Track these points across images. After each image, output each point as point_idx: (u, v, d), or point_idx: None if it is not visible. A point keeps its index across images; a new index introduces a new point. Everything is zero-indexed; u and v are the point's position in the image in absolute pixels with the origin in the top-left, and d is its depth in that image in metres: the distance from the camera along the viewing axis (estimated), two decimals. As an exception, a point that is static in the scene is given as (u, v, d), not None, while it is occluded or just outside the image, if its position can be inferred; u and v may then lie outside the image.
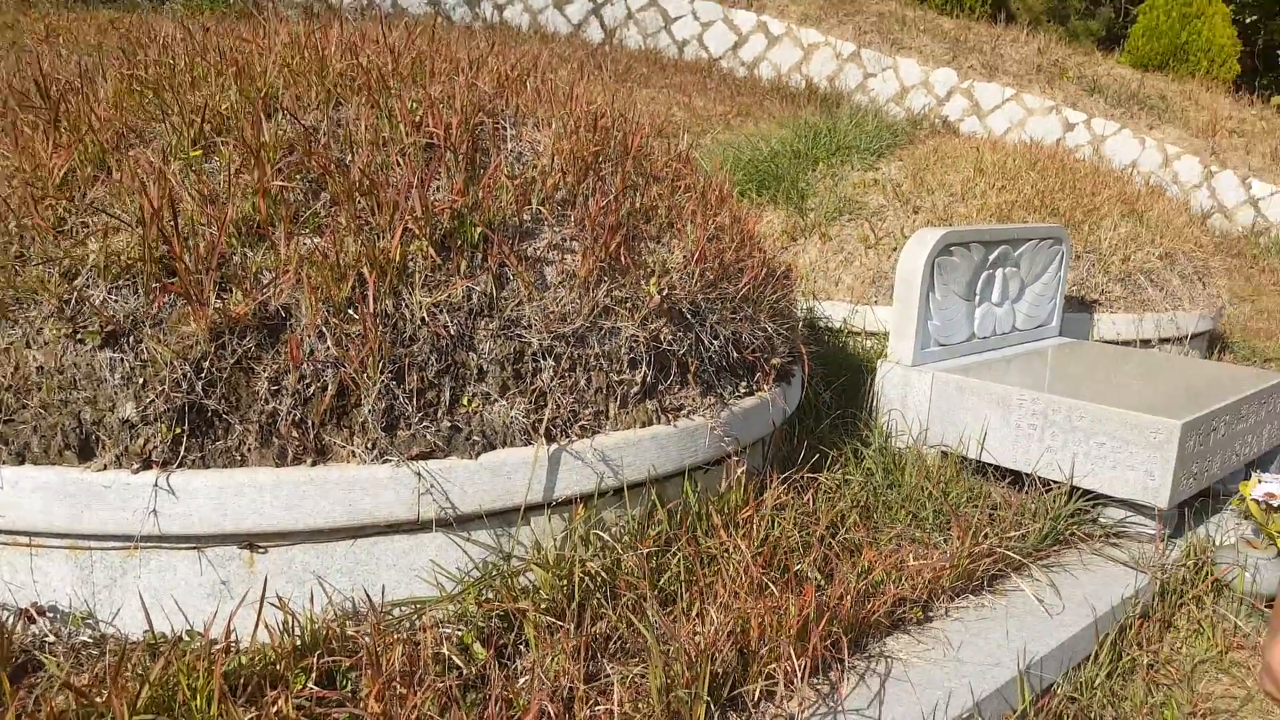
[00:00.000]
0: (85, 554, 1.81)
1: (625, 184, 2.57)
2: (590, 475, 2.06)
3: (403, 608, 1.85)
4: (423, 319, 1.99)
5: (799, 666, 1.80)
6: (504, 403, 2.02)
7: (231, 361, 1.84)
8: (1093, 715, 2.13)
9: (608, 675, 1.74)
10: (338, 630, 1.72)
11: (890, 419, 3.21)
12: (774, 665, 1.77)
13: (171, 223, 1.89)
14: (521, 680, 1.72)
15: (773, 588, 1.94)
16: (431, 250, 2.05)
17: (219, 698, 1.53)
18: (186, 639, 1.80)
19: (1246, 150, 9.75)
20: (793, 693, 1.82)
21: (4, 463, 1.78)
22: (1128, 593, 2.43)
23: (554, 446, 2.02)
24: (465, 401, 1.99)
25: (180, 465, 1.80)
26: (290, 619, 1.72)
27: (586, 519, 2.04)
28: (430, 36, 3.06)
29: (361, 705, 1.58)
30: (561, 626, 1.76)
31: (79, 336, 1.84)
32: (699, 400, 2.35)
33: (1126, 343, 4.54)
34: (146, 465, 1.79)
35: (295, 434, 1.82)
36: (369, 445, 1.86)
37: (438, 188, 2.23)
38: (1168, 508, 2.63)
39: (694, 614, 1.89)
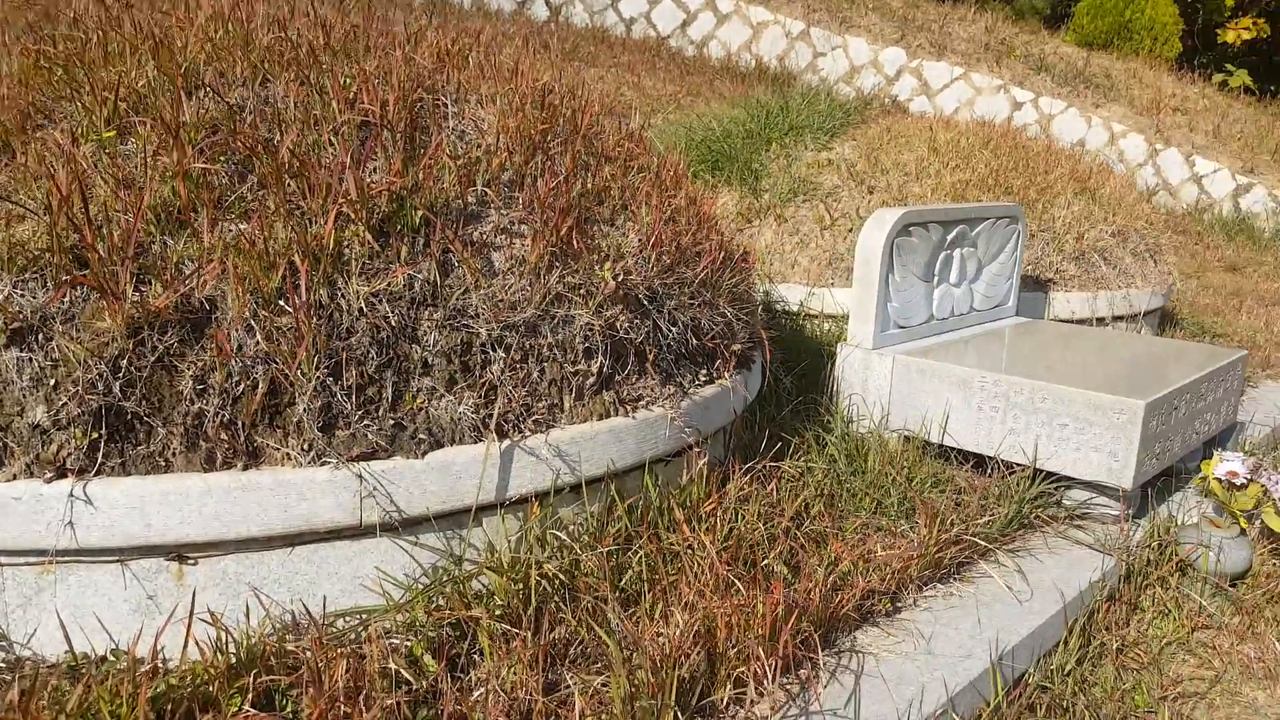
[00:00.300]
0: (-6, 572, 1.67)
1: (576, 164, 2.45)
2: (545, 472, 1.96)
3: (346, 619, 1.73)
4: (361, 310, 1.86)
5: (769, 668, 1.72)
6: (451, 398, 1.90)
7: (152, 359, 1.70)
8: (1065, 704, 2.08)
9: (568, 686, 1.64)
10: (276, 646, 1.60)
11: (851, 403, 3.15)
12: (743, 668, 1.69)
13: (83, 209, 1.74)
14: (476, 694, 1.61)
15: (739, 585, 1.86)
16: (368, 235, 1.92)
17: (143, 728, 1.40)
18: (111, 659, 1.66)
19: (1190, 128, 9.89)
20: (764, 695, 1.74)
21: (-102, 475, 1.63)
22: (1095, 576, 2.39)
23: (506, 443, 1.90)
24: (409, 397, 1.86)
25: (98, 473, 1.66)
26: (223, 635, 1.59)
27: (542, 518, 1.93)
28: (366, 10, 2.90)
29: (302, 729, 1.47)
30: (518, 634, 1.66)
31: (-20, 335, 1.68)
32: (658, 390, 2.25)
33: (1081, 321, 4.54)
34: (61, 474, 1.65)
35: (224, 436, 1.68)
36: (305, 447, 1.73)
37: (374, 169, 2.10)
38: (1132, 489, 2.60)
39: (658, 615, 1.80)
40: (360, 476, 1.73)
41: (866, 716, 1.75)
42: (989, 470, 2.84)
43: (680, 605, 1.79)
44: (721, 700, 1.69)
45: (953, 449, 2.96)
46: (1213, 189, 9.63)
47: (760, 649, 1.72)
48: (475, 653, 1.69)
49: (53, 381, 1.67)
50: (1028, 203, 4.73)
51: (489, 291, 2.01)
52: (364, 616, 1.72)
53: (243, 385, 1.71)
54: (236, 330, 1.74)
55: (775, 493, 2.37)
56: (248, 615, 1.68)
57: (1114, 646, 2.28)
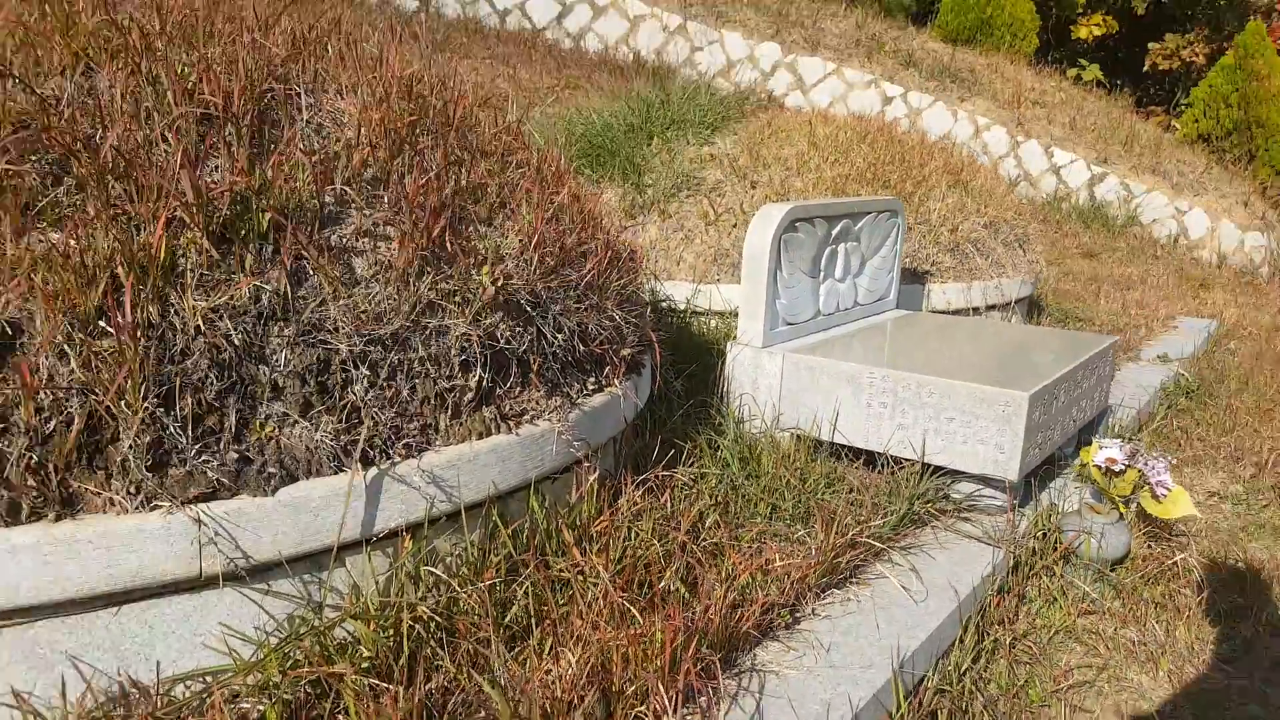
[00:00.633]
0: None
1: (448, 159, 2.27)
2: (418, 501, 1.78)
3: (187, 684, 1.52)
4: (198, 328, 1.64)
5: (669, 701, 1.60)
6: (307, 424, 1.71)
7: (-59, 394, 1.45)
8: (964, 706, 2.05)
9: (448, 740, 1.48)
10: (104, 721, 1.39)
11: (742, 403, 3.07)
12: (642, 707, 1.56)
13: None
14: (343, 758, 1.44)
15: (635, 612, 1.73)
16: (207, 243, 1.70)
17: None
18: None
19: (1049, 120, 10.33)
20: (662, 732, 1.62)
21: None
22: (986, 570, 2.38)
23: (372, 472, 1.72)
24: (257, 426, 1.66)
25: (-124, 531, 1.40)
26: None
27: (415, 553, 1.76)
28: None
29: (134, 821, 1.26)
30: (388, 689, 1.48)
31: None
32: (544, 402, 2.11)
33: (958, 311, 4.62)
34: None
35: (32, 482, 1.44)
36: (132, 490, 1.50)
37: (215, 167, 1.87)
38: (1018, 480, 2.61)
39: (548, 652, 1.66)
40: (199, 521, 1.52)
41: (771, 745, 1.66)
42: (879, 466, 2.81)
43: (572, 640, 1.66)
44: (619, 741, 1.56)
45: (844, 446, 2.92)
46: (1070, 179, 10.09)
47: (660, 683, 1.60)
48: (340, 712, 1.51)
49: None
50: (905, 196, 4.78)
51: (349, 302, 1.82)
52: (208, 680, 1.52)
53: (54, 422, 1.47)
54: (46, 357, 1.50)
55: (670, 504, 2.25)
56: (64, 691, 1.45)
57: (1006, 641, 2.26)
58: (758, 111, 5.90)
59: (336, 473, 1.71)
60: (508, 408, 2.05)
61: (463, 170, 2.32)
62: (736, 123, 5.55)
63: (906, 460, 2.73)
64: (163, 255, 1.64)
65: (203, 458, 1.60)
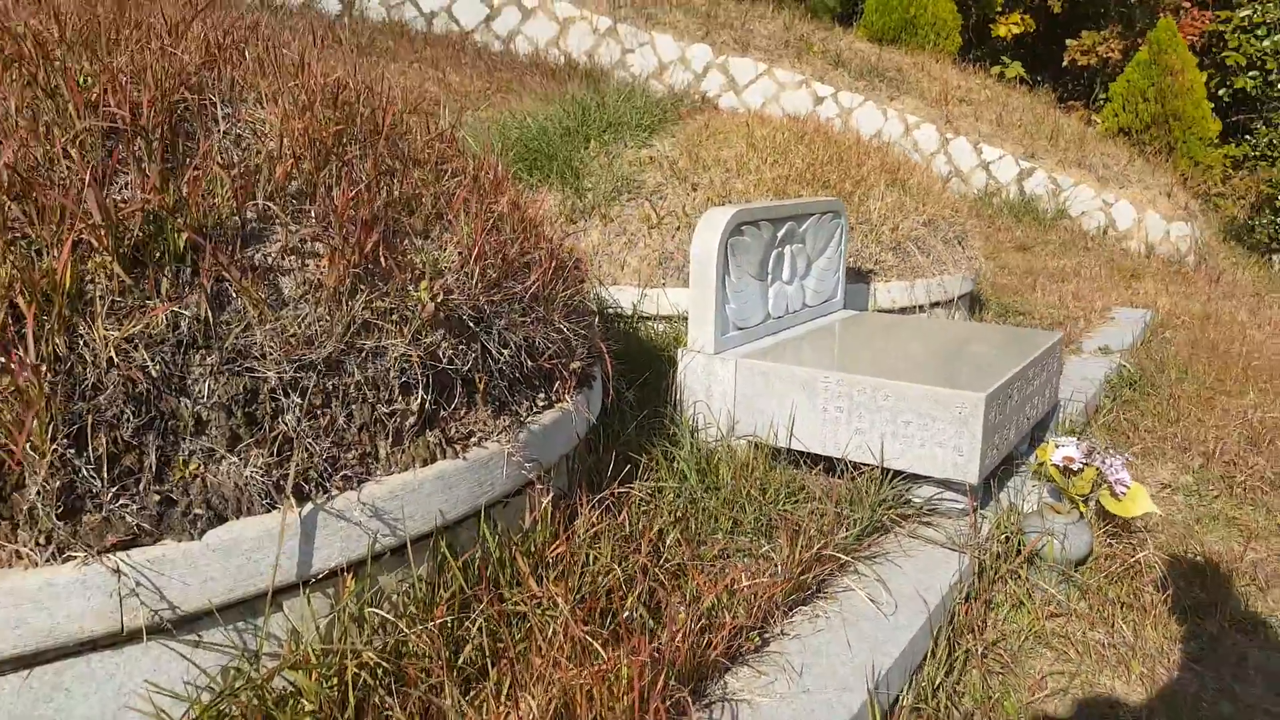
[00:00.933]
0: None
1: (379, 169, 2.15)
2: (360, 537, 1.66)
3: (110, 756, 1.37)
4: (111, 360, 1.49)
5: (637, 742, 1.50)
6: (235, 459, 1.57)
7: None
8: (939, 721, 1.99)
9: (403, 801, 1.36)
10: (13, 805, 1.24)
11: (696, 411, 2.99)
12: (610, 752, 1.46)
13: None
14: (287, 828, 1.31)
15: (599, 647, 1.63)
16: (118, 267, 1.56)
17: None
18: None
19: (976, 117, 10.50)
20: (632, 774, 1.52)
21: None
22: (953, 578, 2.33)
23: (308, 508, 1.59)
24: (180, 464, 1.52)
25: None
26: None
27: (358, 593, 1.63)
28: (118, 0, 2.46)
29: None
30: (336, 748, 1.36)
31: None
32: (491, 423, 1.99)
33: (903, 309, 4.61)
34: None
35: (-80, 542, 1.29)
36: (41, 540, 1.36)
37: (125, 185, 1.72)
38: (978, 482, 2.57)
39: (506, 696, 1.55)
40: (118, 571, 1.38)
41: (748, 779, 1.57)
42: (838, 471, 2.75)
43: (532, 680, 1.55)
44: (587, 788, 1.46)
45: (803, 453, 2.86)
46: (999, 174, 10.27)
47: (627, 722, 1.50)
48: (284, 776, 1.38)
49: None
50: (845, 196, 4.76)
51: (277, 325, 1.69)
52: (134, 750, 1.38)
53: (-56, 472, 1.32)
54: (-67, 399, 1.34)
55: (628, 523, 2.16)
56: (-34, 774, 1.30)
57: (978, 650, 2.21)
58: (694, 113, 5.84)
59: (269, 510, 1.57)
60: (453, 431, 1.93)
61: (395, 180, 2.19)
62: (674, 124, 5.48)
63: (866, 465, 2.68)
64: (68, 282, 1.49)
65: (120, 501, 1.46)
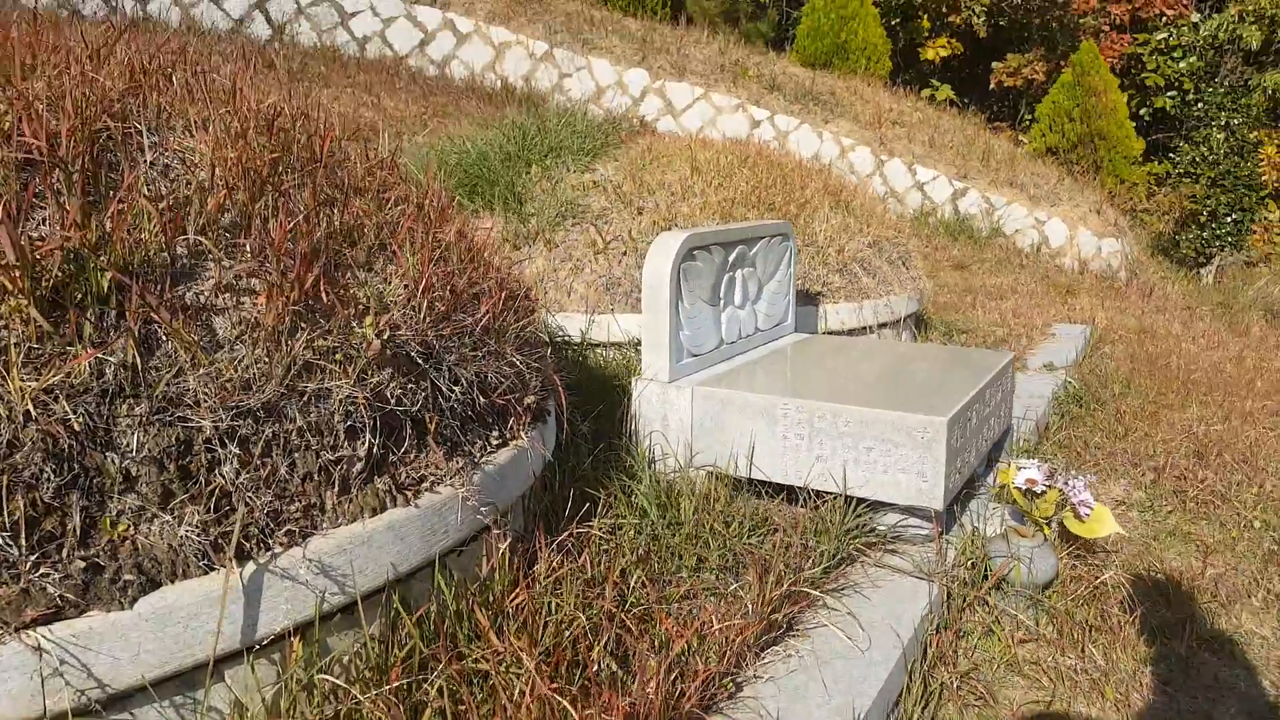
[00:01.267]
0: None
1: (318, 199, 2.03)
2: (307, 596, 1.53)
3: None
4: (28, 414, 1.36)
5: (614, 807, 1.40)
6: (168, 517, 1.44)
7: None
8: (917, 760, 1.93)
9: None
10: None
11: (652, 441, 2.91)
12: (586, 822, 1.36)
13: None
14: None
15: (568, 705, 1.53)
16: (35, 311, 1.42)
17: None
18: None
19: (909, 139, 10.69)
20: (610, 843, 1.42)
21: None
22: (924, 610, 2.28)
23: (250, 568, 1.47)
24: (107, 525, 1.38)
25: None
26: None
27: (307, 657, 1.51)
28: (33, 24, 2.31)
29: None
30: (287, 837, 1.24)
31: None
32: (444, 465, 1.88)
33: (851, 331, 4.61)
34: None
35: None
36: (-54, 622, 1.21)
37: (43, 221, 1.59)
38: (943, 508, 2.53)
39: (471, 764, 1.44)
40: (39, 649, 1.24)
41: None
42: (801, 500, 2.69)
43: (499, 745, 1.44)
44: None
45: (764, 482, 2.80)
46: (934, 194, 10.45)
47: (603, 787, 1.40)
48: None
49: None
50: (790, 218, 4.75)
51: (212, 370, 1.56)
52: None
53: None
54: None
55: (589, 565, 2.06)
56: None
57: (953, 683, 2.16)
58: (636, 137, 5.81)
59: (207, 572, 1.45)
60: (403, 476, 1.82)
61: (335, 211, 2.08)
62: (616, 148, 5.43)
63: (828, 493, 2.62)
64: (-27, 329, 1.36)
65: (41, 570, 1.32)
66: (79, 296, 1.52)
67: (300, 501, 1.61)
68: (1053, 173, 10.82)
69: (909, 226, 9.35)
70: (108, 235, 1.59)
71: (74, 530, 1.37)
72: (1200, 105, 10.94)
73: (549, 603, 1.84)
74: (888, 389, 2.86)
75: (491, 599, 1.83)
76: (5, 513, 1.31)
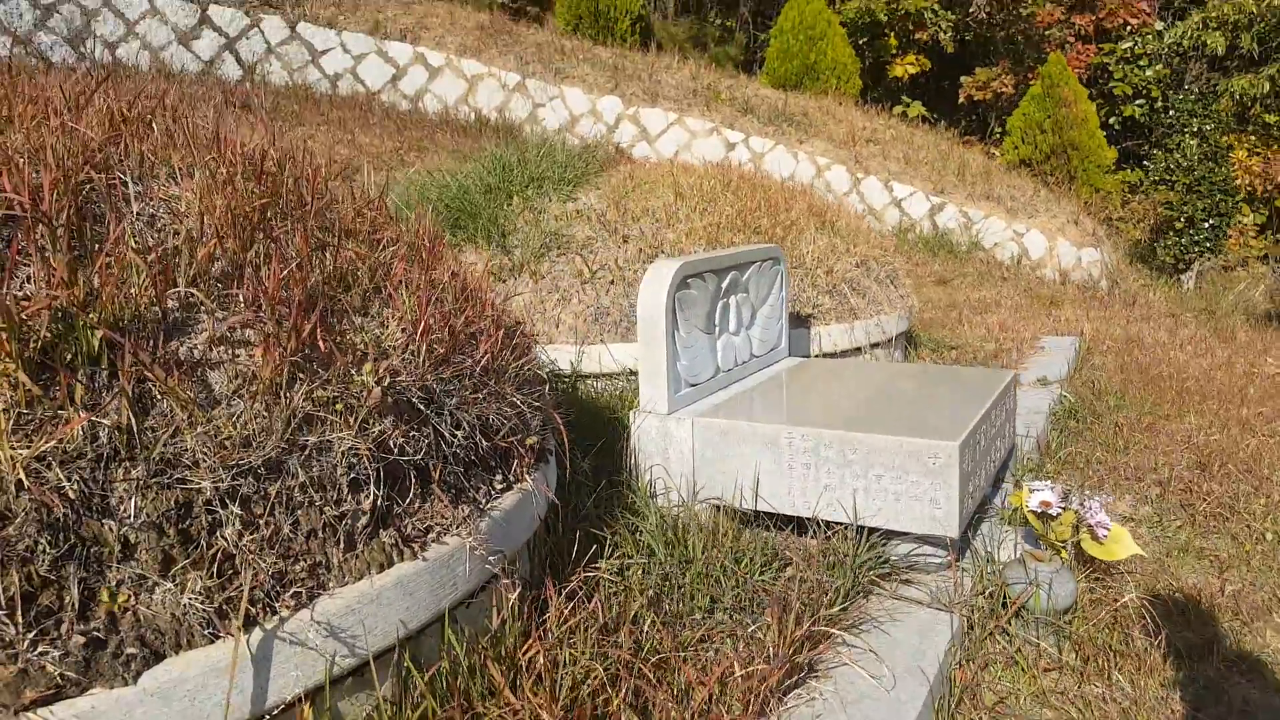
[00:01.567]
0: None
1: (309, 244, 1.98)
2: (316, 660, 1.47)
3: None
4: (20, 483, 1.29)
5: None
6: (170, 585, 1.37)
7: None
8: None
9: None
10: None
11: (653, 475, 2.85)
12: None
13: None
14: None
15: (594, 765, 1.46)
16: (23, 375, 1.36)
17: None
18: None
19: (884, 156, 10.75)
20: None
21: None
22: (946, 643, 2.22)
23: (257, 634, 1.40)
24: (106, 596, 1.31)
25: None
26: None
27: (321, 727, 1.44)
28: (8, 75, 2.25)
29: None
30: None
31: None
32: (449, 514, 1.82)
33: (844, 352, 4.58)
34: None
35: None
36: (-63, 714, 1.14)
37: (27, 278, 1.53)
38: (959, 535, 2.49)
39: (498, 834, 1.37)
40: (37, 738, 1.17)
41: None
42: (810, 531, 2.64)
43: (526, 812, 1.37)
44: None
45: (768, 514, 2.74)
46: (911, 210, 10.51)
47: None
48: None
49: None
50: (777, 240, 4.73)
51: (209, 428, 1.50)
52: None
53: None
54: None
55: (600, 611, 2.00)
56: None
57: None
58: (616, 164, 5.79)
59: (213, 641, 1.38)
60: (409, 527, 1.76)
61: (327, 255, 2.03)
62: (597, 176, 5.41)
63: (838, 524, 2.58)
64: (-41, 397, 1.29)
65: (39, 648, 1.25)
66: (69, 357, 1.45)
67: (305, 561, 1.54)
68: (1029, 184, 10.92)
69: (891, 244, 9.40)
70: (96, 292, 1.53)
71: (72, 604, 1.29)
72: (1172, 112, 11.09)
73: (563, 654, 1.78)
74: (893, 413, 2.82)
75: (504, 652, 1.77)
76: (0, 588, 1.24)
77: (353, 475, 1.66)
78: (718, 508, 2.73)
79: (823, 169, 10.94)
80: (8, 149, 1.75)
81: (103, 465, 1.39)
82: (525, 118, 11.05)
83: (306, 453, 1.61)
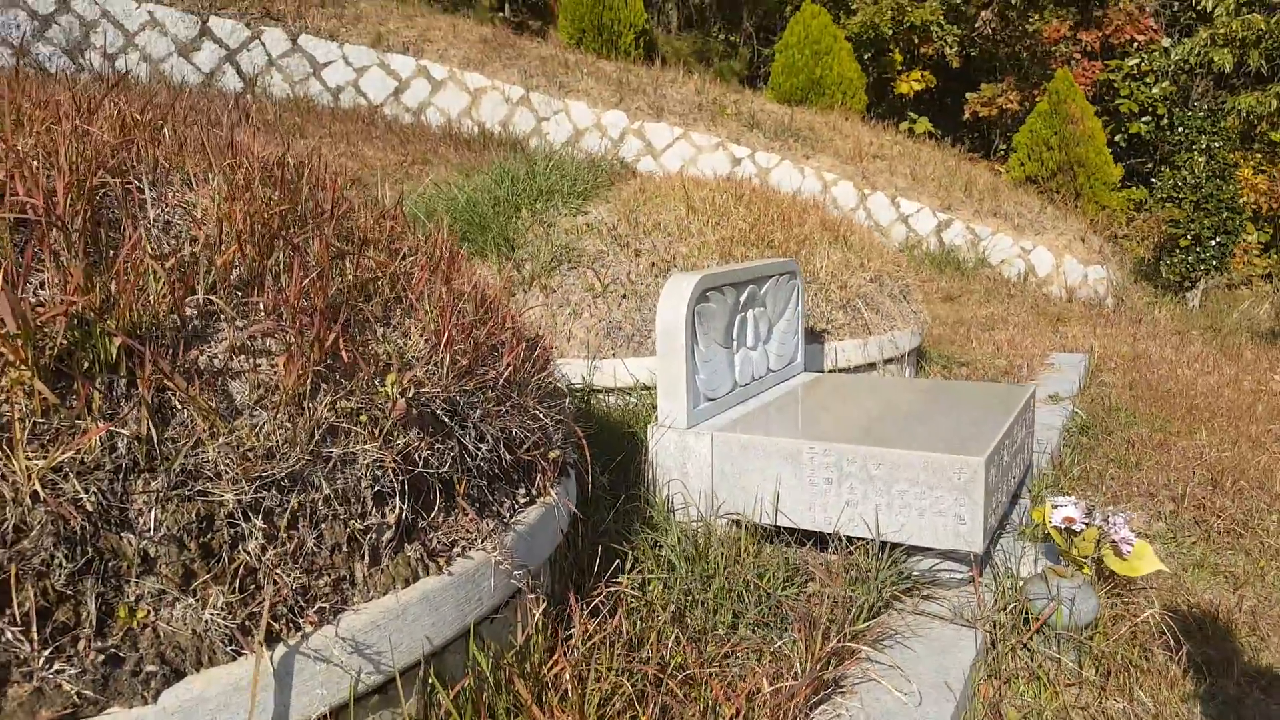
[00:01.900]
0: None
1: (329, 252, 1.94)
2: (341, 678, 1.42)
3: None
4: (36, 495, 1.25)
5: None
6: (191, 600, 1.33)
7: None
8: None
9: None
10: None
11: (671, 490, 2.81)
12: None
13: None
14: None
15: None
16: (39, 383, 1.32)
17: None
18: None
19: (891, 172, 10.75)
20: None
21: None
22: (970, 659, 2.18)
23: (280, 651, 1.36)
24: (124, 612, 1.27)
25: None
26: None
27: (345, 748, 1.39)
28: (14, 80, 2.22)
29: None
30: None
31: None
32: (474, 528, 1.78)
33: (858, 368, 4.54)
34: None
35: None
36: (-48, 734, 1.10)
37: (42, 284, 1.49)
38: (983, 550, 2.44)
39: None
40: (55, 759, 1.12)
41: None
42: (831, 546, 2.60)
43: (557, 838, 1.33)
44: None
45: (789, 529, 2.70)
46: (918, 226, 10.49)
47: None
48: None
49: None
50: (791, 255, 4.71)
51: (232, 439, 1.46)
52: None
53: None
54: None
55: (623, 627, 1.95)
56: None
57: (1008, 737, 2.06)
58: (624, 178, 5.77)
59: (235, 658, 1.33)
60: (434, 542, 1.71)
61: (347, 263, 1.99)
62: (607, 190, 5.38)
63: (860, 539, 2.53)
64: (-23, 404, 1.25)
65: (55, 666, 1.20)
66: (86, 365, 1.41)
67: (329, 575, 1.50)
68: (1035, 201, 10.91)
69: (903, 259, 9.39)
70: (113, 298, 1.49)
71: (89, 619, 1.25)
72: (1180, 130, 11.09)
73: (589, 669, 1.73)
74: (914, 428, 2.78)
75: (529, 668, 1.72)
76: (14, 604, 1.20)
77: (377, 488, 1.62)
78: (737, 523, 2.68)
79: (830, 184, 10.93)
80: (20, 152, 1.72)
81: (121, 477, 1.35)
82: (529, 131, 11.05)
83: (331, 464, 1.57)
